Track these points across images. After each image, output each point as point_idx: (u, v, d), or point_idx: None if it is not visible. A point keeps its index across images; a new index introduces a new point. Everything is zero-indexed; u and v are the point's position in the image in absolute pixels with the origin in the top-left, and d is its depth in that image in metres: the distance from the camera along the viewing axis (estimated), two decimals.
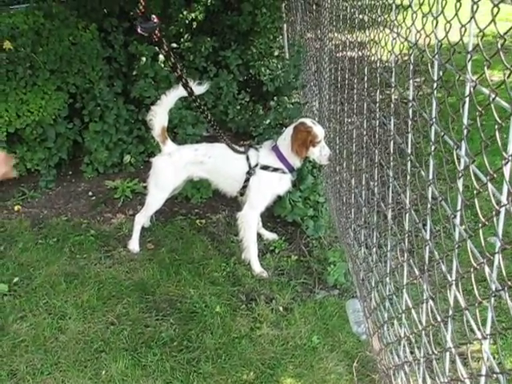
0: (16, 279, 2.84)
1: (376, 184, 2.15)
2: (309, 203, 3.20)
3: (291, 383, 2.21)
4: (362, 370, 2.27)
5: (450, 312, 1.38)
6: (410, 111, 1.61)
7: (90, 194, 3.80)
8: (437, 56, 1.37)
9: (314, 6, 4.04)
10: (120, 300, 2.69)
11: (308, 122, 2.86)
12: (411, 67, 1.59)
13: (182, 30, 4.60)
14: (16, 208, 3.59)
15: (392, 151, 1.86)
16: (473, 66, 1.17)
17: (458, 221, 1.29)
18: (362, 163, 2.41)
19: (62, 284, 2.79)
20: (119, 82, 4.07)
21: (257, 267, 2.89)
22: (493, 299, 1.11)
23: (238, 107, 4.47)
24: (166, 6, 4.37)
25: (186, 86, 2.35)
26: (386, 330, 2.07)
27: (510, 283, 0.99)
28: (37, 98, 3.61)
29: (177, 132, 3.79)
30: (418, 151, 1.61)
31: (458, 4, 1.18)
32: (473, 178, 1.16)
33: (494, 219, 1.07)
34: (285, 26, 5.46)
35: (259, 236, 3.10)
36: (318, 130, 2.83)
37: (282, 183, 2.91)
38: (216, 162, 2.95)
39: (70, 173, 4.09)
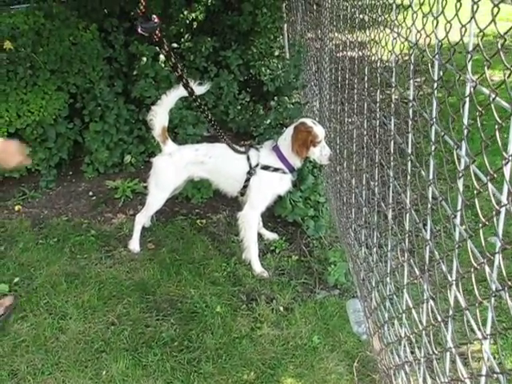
0: (16, 279, 2.84)
1: (376, 184, 2.15)
2: (309, 203, 3.20)
3: (292, 383, 2.21)
4: (362, 370, 2.27)
5: (451, 312, 1.38)
6: (411, 111, 1.61)
7: (91, 194, 3.81)
8: (437, 56, 1.37)
9: (315, 6, 4.04)
10: (120, 300, 2.69)
11: (308, 122, 2.86)
12: (411, 67, 1.59)
13: (182, 30, 4.61)
14: (16, 208, 3.59)
15: (392, 151, 1.86)
16: (473, 65, 1.17)
17: (458, 221, 1.29)
18: (362, 163, 2.41)
19: (63, 284, 2.79)
20: (120, 81, 4.07)
21: (257, 267, 2.89)
22: (493, 299, 1.11)
23: (239, 107, 4.47)
24: (167, 6, 4.38)
25: (186, 86, 2.35)
26: (387, 330, 2.07)
27: (510, 283, 0.99)
28: (37, 98, 3.61)
29: (177, 132, 3.79)
30: (419, 151, 1.61)
31: (459, 4, 1.18)
32: (473, 178, 1.16)
33: (495, 219, 1.07)
34: (285, 25, 5.46)
35: (260, 236, 3.10)
36: (319, 130, 2.83)
37: (282, 183, 2.91)
38: (217, 162, 2.95)
39: (71, 173, 4.09)
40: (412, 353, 1.81)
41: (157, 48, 2.03)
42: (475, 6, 1.08)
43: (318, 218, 3.18)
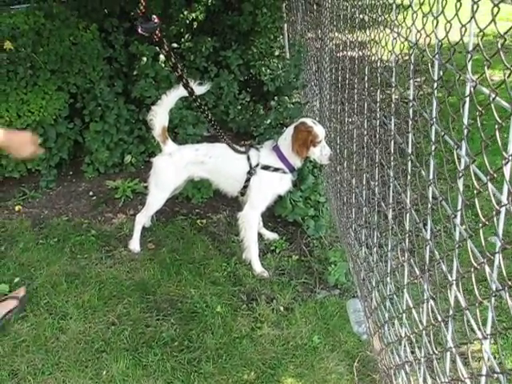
0: (17, 279, 2.84)
1: (377, 184, 2.15)
2: (309, 203, 3.20)
3: (292, 383, 2.21)
4: (362, 370, 2.27)
5: (451, 312, 1.38)
6: (411, 111, 1.61)
7: (91, 194, 3.81)
8: (437, 56, 1.37)
9: (315, 6, 4.04)
10: (121, 300, 2.69)
11: (309, 121, 2.86)
12: (411, 67, 1.59)
13: (182, 30, 4.61)
14: (17, 208, 3.59)
15: (392, 151, 1.86)
16: (473, 65, 1.17)
17: (458, 220, 1.29)
18: (362, 163, 2.41)
19: (63, 284, 2.80)
20: (120, 81, 4.07)
21: (257, 267, 2.89)
22: (493, 299, 1.11)
23: (239, 107, 4.47)
24: (167, 6, 4.38)
25: (186, 86, 2.35)
26: (387, 330, 2.07)
27: (510, 283, 0.99)
28: (37, 98, 3.61)
29: (177, 132, 3.79)
30: (419, 151, 1.61)
31: (458, 4, 1.18)
32: (473, 178, 1.16)
33: (495, 219, 1.07)
34: (285, 25, 5.46)
35: (260, 236, 3.10)
36: (319, 130, 2.83)
37: (282, 183, 2.91)
38: (217, 162, 2.95)
39: (71, 173, 4.09)
40: (412, 353, 1.81)
41: (157, 48, 2.03)
42: (475, 6, 1.08)
43: (319, 217, 3.18)
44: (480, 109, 1.08)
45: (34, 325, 2.51)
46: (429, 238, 1.51)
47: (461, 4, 1.18)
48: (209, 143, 3.12)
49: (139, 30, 1.90)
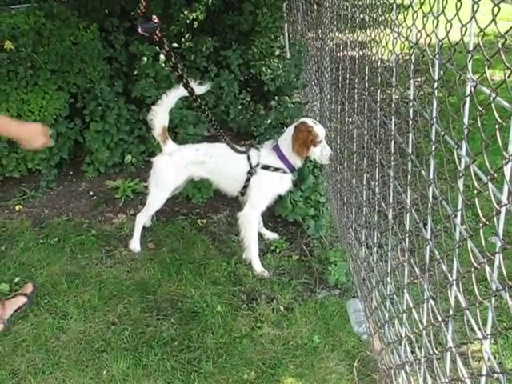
0: (17, 279, 2.84)
1: (377, 184, 2.15)
2: (310, 203, 3.20)
3: (292, 383, 2.21)
4: (362, 370, 2.27)
5: (451, 312, 1.38)
6: (411, 111, 1.61)
7: (91, 193, 3.81)
8: (437, 55, 1.37)
9: (315, 6, 4.04)
10: (121, 300, 2.69)
11: (309, 121, 2.86)
12: (412, 67, 1.59)
13: (182, 29, 4.61)
14: (17, 208, 3.59)
15: (393, 151, 1.86)
16: (473, 65, 1.17)
17: (458, 220, 1.29)
18: (362, 163, 2.41)
19: (63, 284, 2.80)
20: (120, 81, 4.07)
21: (258, 267, 2.89)
22: (493, 299, 1.11)
23: (239, 107, 4.47)
24: (167, 5, 4.38)
25: (186, 85, 2.35)
26: (387, 330, 2.07)
27: (510, 283, 0.99)
28: (38, 97, 3.61)
29: (178, 132, 3.79)
30: (419, 151, 1.61)
31: (459, 3, 1.18)
32: (473, 178, 1.16)
33: (495, 219, 1.07)
34: (286, 25, 5.46)
35: (260, 236, 3.10)
36: (319, 130, 2.82)
37: (282, 183, 2.91)
38: (217, 162, 2.95)
39: (71, 173, 4.09)
40: (412, 352, 1.81)
41: (157, 48, 2.03)
42: (475, 6, 1.08)
43: (319, 217, 3.18)
44: (480, 109, 1.08)
45: (34, 324, 2.52)
46: (429, 237, 1.51)
47: (461, 4, 1.18)
48: (209, 143, 3.12)
49: (139, 30, 1.90)
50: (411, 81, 1.61)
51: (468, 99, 1.18)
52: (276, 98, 4.27)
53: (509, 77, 0.96)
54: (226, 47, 4.55)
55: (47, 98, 3.65)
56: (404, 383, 1.85)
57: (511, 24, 1.03)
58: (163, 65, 4.03)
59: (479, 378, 1.19)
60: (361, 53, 2.47)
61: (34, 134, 2.14)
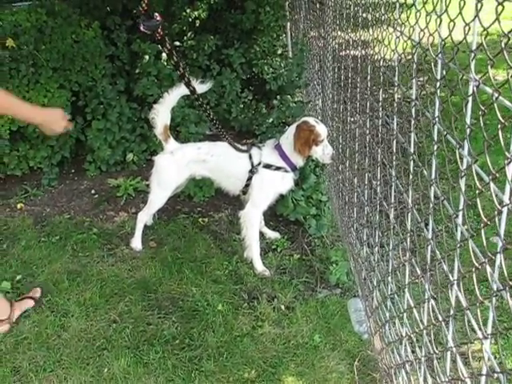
0: (19, 277, 2.85)
1: (378, 183, 2.15)
2: (311, 202, 3.20)
3: (293, 382, 2.21)
4: (363, 369, 2.27)
5: (452, 311, 1.37)
6: (413, 110, 1.60)
7: (93, 192, 3.81)
8: (440, 55, 1.36)
9: (318, 5, 4.03)
10: (122, 298, 2.69)
11: (311, 120, 2.86)
12: (414, 66, 1.59)
13: (185, 28, 4.60)
14: (19, 206, 3.60)
15: (395, 150, 1.86)
16: (476, 65, 1.17)
17: (460, 220, 1.29)
18: (364, 162, 2.40)
19: (65, 282, 2.80)
20: (122, 80, 4.07)
21: (259, 266, 2.89)
22: (494, 299, 1.10)
23: (241, 106, 4.47)
24: (169, 4, 4.37)
25: (188, 84, 2.35)
26: (388, 330, 2.07)
27: (511, 283, 0.99)
28: (39, 95, 3.61)
29: (179, 130, 3.79)
30: (421, 150, 1.60)
31: (462, 2, 1.18)
32: (475, 178, 1.15)
33: (496, 219, 1.07)
34: (288, 24, 5.45)
35: (261, 235, 3.10)
36: (321, 129, 2.82)
37: (284, 182, 2.91)
38: (219, 161, 2.95)
39: (73, 171, 4.10)
40: (413, 352, 1.81)
41: (159, 46, 2.03)
42: (479, 5, 1.07)
43: (320, 216, 3.18)
44: (483, 108, 1.08)
45: (35, 322, 2.52)
46: (430, 237, 1.51)
47: (464, 2, 1.18)
48: (211, 142, 3.12)
49: (141, 28, 1.90)
50: (413, 80, 1.61)
51: (470, 99, 1.18)
52: (278, 96, 4.27)
53: None
54: (228, 46, 4.54)
55: (49, 96, 3.65)
56: (404, 382, 1.85)
57: None
58: (165, 63, 4.03)
59: (479, 378, 1.19)
60: (363, 52, 2.47)
61: (56, 119, 2.18)
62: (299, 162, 2.89)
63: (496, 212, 1.06)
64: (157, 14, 1.89)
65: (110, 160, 3.94)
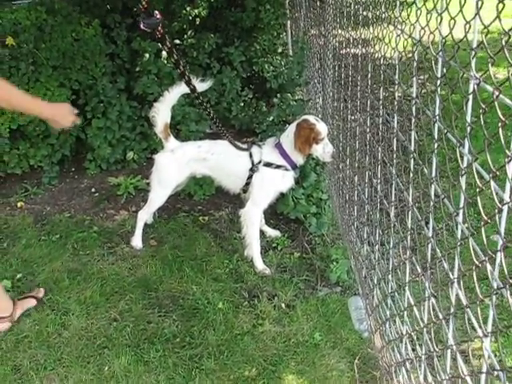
0: (19, 275, 2.85)
1: (379, 181, 2.15)
2: (312, 200, 3.20)
3: (293, 380, 2.22)
4: (363, 367, 2.27)
5: (452, 310, 1.37)
6: (414, 108, 1.60)
7: (93, 190, 3.81)
8: (441, 53, 1.36)
9: (318, 3, 4.02)
10: (123, 296, 2.70)
11: (311, 119, 2.86)
12: (415, 64, 1.59)
13: (185, 26, 4.60)
14: (19, 204, 3.60)
15: (395, 149, 1.86)
16: (477, 63, 1.16)
17: (460, 219, 1.29)
18: (365, 160, 2.40)
19: (65, 280, 2.80)
20: (122, 78, 4.07)
21: (259, 264, 2.90)
22: (494, 297, 1.10)
23: (242, 104, 4.46)
24: (169, 2, 4.37)
25: (188, 82, 2.34)
26: (388, 328, 2.07)
27: (511, 281, 0.99)
28: (39, 94, 3.60)
29: (180, 129, 3.79)
30: (421, 149, 1.60)
31: (463, 0, 1.18)
32: (476, 176, 1.15)
33: (497, 217, 1.07)
34: (288, 22, 5.45)
35: (262, 233, 3.10)
36: (321, 127, 2.82)
37: (284, 180, 2.91)
38: (219, 159, 2.95)
39: (73, 169, 4.10)
40: (413, 350, 1.81)
41: (159, 44, 2.02)
42: (480, 3, 1.07)
43: (321, 215, 3.18)
44: (483, 106, 1.08)
45: (36, 321, 2.52)
46: (431, 235, 1.51)
47: (465, 0, 1.18)
48: (211, 140, 3.12)
49: (141, 26, 1.89)
50: (414, 78, 1.60)
51: (471, 97, 1.18)
52: (278, 95, 4.27)
53: None
54: (229, 44, 4.54)
55: (49, 95, 3.64)
56: (404, 380, 1.85)
57: None
58: (165, 61, 4.02)
59: (479, 376, 1.20)
60: (364, 50, 2.46)
61: (65, 114, 2.19)
62: (299, 160, 2.89)
63: (496, 210, 1.06)
64: (157, 12, 1.88)
65: (111, 158, 3.94)
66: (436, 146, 1.42)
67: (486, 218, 1.10)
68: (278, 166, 2.86)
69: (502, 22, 0.98)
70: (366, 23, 2.36)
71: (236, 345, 2.38)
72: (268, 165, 2.86)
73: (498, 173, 1.05)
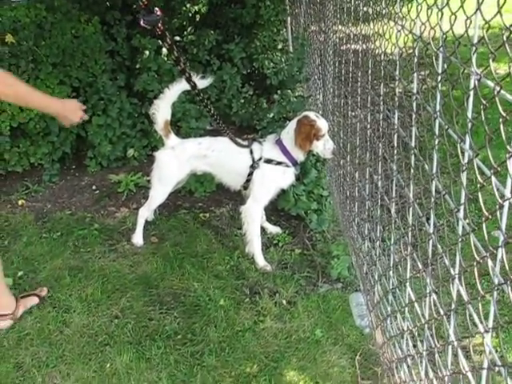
0: (20, 273, 2.85)
1: (380, 178, 2.14)
2: (312, 197, 3.20)
3: (294, 376, 2.22)
4: (364, 363, 2.28)
5: (453, 306, 1.38)
6: (414, 104, 1.60)
7: (94, 187, 3.81)
8: (441, 49, 1.36)
9: None
10: (124, 293, 2.70)
11: (312, 115, 2.85)
12: (415, 60, 1.58)
13: (185, 22, 4.59)
14: (20, 202, 3.60)
15: (396, 145, 1.85)
16: (478, 58, 1.16)
17: (461, 215, 1.29)
18: (365, 157, 2.40)
19: (66, 278, 2.81)
20: (122, 75, 4.06)
21: (260, 261, 2.90)
22: (495, 293, 1.11)
23: (242, 101, 4.45)
24: None
25: (189, 79, 2.34)
26: (389, 324, 2.07)
27: None
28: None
29: (180, 126, 3.79)
30: (422, 145, 1.60)
31: None
32: (477, 172, 1.15)
33: (498, 213, 1.07)
34: (289, 18, 5.42)
35: (263, 229, 3.10)
36: (322, 124, 2.82)
37: (285, 177, 2.91)
38: (219, 156, 2.94)
39: (74, 167, 4.10)
40: (414, 346, 1.82)
41: (159, 41, 2.02)
42: None
43: (321, 211, 3.18)
44: (484, 102, 1.07)
45: (37, 318, 2.53)
46: (432, 231, 1.51)
47: None
48: (212, 137, 3.11)
49: (141, 23, 1.89)
50: (415, 74, 1.60)
51: (472, 93, 1.17)
52: (279, 91, 4.25)
53: None
54: (229, 40, 4.52)
55: (49, 92, 3.63)
56: (406, 376, 1.86)
57: None
58: (165, 58, 4.01)
59: (480, 372, 1.20)
60: (364, 46, 2.45)
61: (74, 110, 2.20)
62: (300, 156, 2.89)
63: (497, 206, 1.06)
64: (157, 9, 1.88)
65: (111, 156, 3.94)
66: (437, 141, 1.42)
67: (487, 213, 1.10)
68: (279, 163, 2.86)
69: (503, 17, 0.98)
70: (367, 19, 2.35)
71: (237, 341, 2.38)
72: (269, 161, 2.86)
73: (499, 169, 1.04)
